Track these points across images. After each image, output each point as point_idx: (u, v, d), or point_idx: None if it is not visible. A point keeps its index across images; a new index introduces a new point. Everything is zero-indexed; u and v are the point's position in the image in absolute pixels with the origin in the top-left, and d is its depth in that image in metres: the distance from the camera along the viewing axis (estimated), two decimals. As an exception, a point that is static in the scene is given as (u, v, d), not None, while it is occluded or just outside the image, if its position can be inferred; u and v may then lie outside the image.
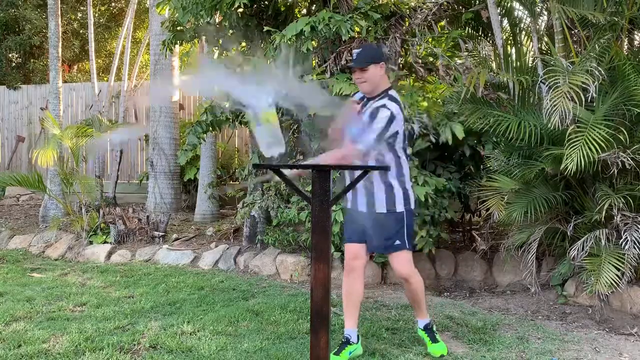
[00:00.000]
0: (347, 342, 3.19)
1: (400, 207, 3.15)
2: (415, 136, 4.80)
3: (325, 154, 3.13)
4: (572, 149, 3.86)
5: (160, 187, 8.05)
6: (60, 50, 7.84)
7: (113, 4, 13.39)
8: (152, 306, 4.22)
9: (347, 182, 3.22)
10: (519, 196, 4.45)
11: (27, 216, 8.31)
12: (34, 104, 11.01)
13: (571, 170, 3.83)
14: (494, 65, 5.01)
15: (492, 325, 3.80)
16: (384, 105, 3.05)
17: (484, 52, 5.47)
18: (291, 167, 2.49)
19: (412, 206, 3.22)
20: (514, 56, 5.03)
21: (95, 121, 8.26)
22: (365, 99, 3.21)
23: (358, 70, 3.09)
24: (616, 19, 4.28)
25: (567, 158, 3.84)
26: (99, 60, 12.61)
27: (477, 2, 5.32)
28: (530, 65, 4.83)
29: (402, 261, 3.17)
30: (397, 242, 3.13)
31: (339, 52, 4.99)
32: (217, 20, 5.94)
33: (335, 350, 3.15)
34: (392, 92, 3.16)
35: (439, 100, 5.77)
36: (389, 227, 3.14)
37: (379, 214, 3.13)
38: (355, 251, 3.21)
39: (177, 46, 6.60)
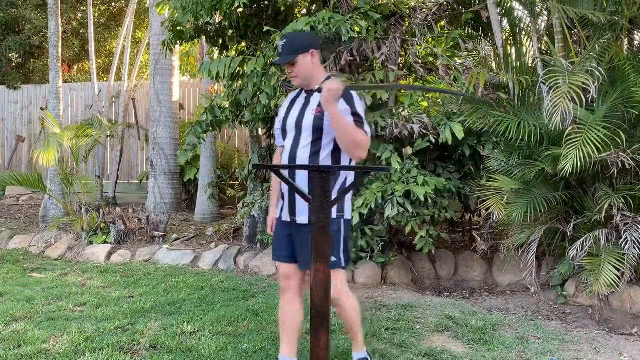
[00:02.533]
0: None
1: (336, 213, 2.66)
2: (415, 136, 4.80)
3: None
4: (569, 149, 3.86)
5: (160, 187, 8.06)
6: (60, 50, 7.84)
7: (113, 4, 13.38)
8: (152, 306, 4.22)
9: (285, 187, 2.73)
10: (519, 196, 4.45)
11: (27, 216, 8.31)
12: (34, 104, 11.01)
13: (567, 171, 3.83)
14: (493, 65, 5.01)
15: (492, 325, 3.80)
16: (348, 89, 2.68)
17: (484, 52, 5.47)
18: (291, 167, 2.50)
19: (349, 216, 2.75)
20: (514, 56, 5.03)
21: (95, 121, 8.26)
22: (303, 93, 2.81)
23: (288, 65, 2.70)
24: (616, 18, 4.28)
25: (564, 159, 3.84)
26: (99, 60, 12.61)
27: (477, 2, 5.32)
28: (530, 65, 4.84)
29: (334, 280, 2.56)
30: (332, 258, 2.51)
31: (338, 52, 4.99)
32: (217, 20, 5.94)
33: None
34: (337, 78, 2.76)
35: (439, 100, 5.77)
36: None
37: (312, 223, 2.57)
38: (286, 272, 2.80)
39: (177, 46, 6.59)
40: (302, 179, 2.65)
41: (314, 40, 2.80)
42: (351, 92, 2.66)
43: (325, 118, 2.59)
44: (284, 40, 2.70)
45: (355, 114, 2.58)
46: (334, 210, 2.62)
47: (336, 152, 2.68)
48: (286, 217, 2.75)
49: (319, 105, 2.62)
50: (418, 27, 5.12)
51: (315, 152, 2.66)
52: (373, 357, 3.19)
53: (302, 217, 2.66)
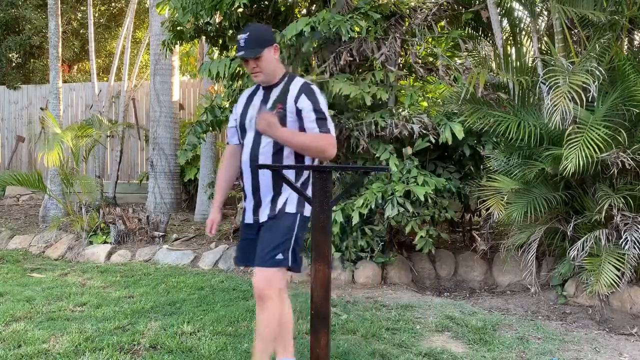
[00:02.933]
0: None
1: (291, 208, 2.53)
2: (415, 136, 4.80)
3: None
4: (570, 149, 3.86)
5: (160, 187, 8.06)
6: (60, 50, 7.84)
7: (113, 4, 13.38)
8: (152, 306, 4.22)
9: (247, 187, 2.61)
10: (519, 196, 4.45)
11: (27, 216, 8.31)
12: (34, 104, 11.02)
13: (569, 171, 3.83)
14: (493, 65, 5.02)
15: (492, 325, 3.80)
16: (309, 84, 2.60)
17: (483, 52, 5.47)
18: (291, 167, 2.49)
19: (308, 213, 2.54)
20: (513, 56, 5.03)
21: (95, 121, 8.26)
22: (260, 90, 2.68)
23: (251, 61, 2.55)
24: (617, 18, 4.28)
25: (565, 159, 3.84)
26: (99, 60, 12.61)
27: (477, 2, 5.32)
28: (530, 65, 4.84)
29: (271, 280, 2.44)
30: (280, 255, 2.44)
31: (338, 52, 4.99)
32: (217, 20, 5.94)
33: None
34: (295, 75, 2.69)
35: (439, 100, 5.78)
36: (276, 232, 2.49)
37: (271, 217, 2.54)
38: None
39: (177, 46, 6.59)
40: (266, 178, 2.54)
41: (273, 35, 2.71)
42: (312, 86, 2.58)
43: (287, 114, 2.52)
44: (247, 34, 2.54)
45: (317, 110, 2.51)
46: (292, 205, 2.52)
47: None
48: (249, 219, 2.64)
49: (279, 100, 2.55)
50: (418, 27, 5.12)
51: (277, 151, 2.54)
52: (373, 358, 3.19)
53: (265, 215, 2.56)
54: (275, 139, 2.48)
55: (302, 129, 2.53)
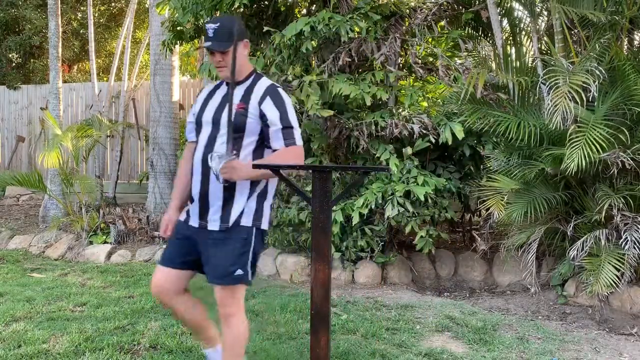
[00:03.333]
0: None
1: (247, 221, 2.39)
2: (415, 136, 4.80)
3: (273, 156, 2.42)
4: (573, 149, 3.86)
5: (160, 187, 8.05)
6: (60, 50, 7.84)
7: (113, 4, 13.38)
8: (152, 306, 4.22)
9: (195, 189, 2.44)
10: (519, 196, 4.45)
11: (27, 216, 8.31)
12: (34, 104, 11.01)
13: (572, 171, 3.83)
14: (493, 65, 5.01)
15: (492, 325, 3.80)
16: (277, 87, 2.47)
17: (483, 52, 5.47)
18: (291, 167, 2.47)
19: (265, 226, 2.46)
20: (513, 56, 5.03)
21: (95, 121, 8.26)
22: (223, 85, 2.54)
23: (218, 53, 2.39)
24: (617, 18, 4.28)
25: (568, 158, 3.84)
26: (99, 60, 12.60)
27: (477, 2, 5.31)
28: (530, 65, 4.84)
29: (234, 297, 2.39)
30: (239, 271, 2.36)
31: (338, 52, 4.99)
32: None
33: None
34: (261, 75, 2.56)
35: (439, 100, 5.77)
36: (232, 247, 2.37)
37: (223, 230, 2.39)
38: (157, 279, 2.51)
39: (177, 46, 6.59)
40: (214, 181, 2.35)
41: (245, 30, 2.54)
42: (279, 89, 2.44)
43: (249, 115, 2.38)
44: (217, 24, 2.38)
45: (284, 119, 2.38)
46: (248, 217, 2.38)
47: (258, 151, 2.43)
48: (194, 222, 2.45)
49: (243, 99, 2.41)
50: (418, 27, 5.12)
51: (235, 153, 2.40)
52: (373, 358, 3.19)
53: (214, 224, 2.39)
54: (248, 179, 2.34)
55: (267, 137, 2.39)
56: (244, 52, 2.47)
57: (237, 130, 2.36)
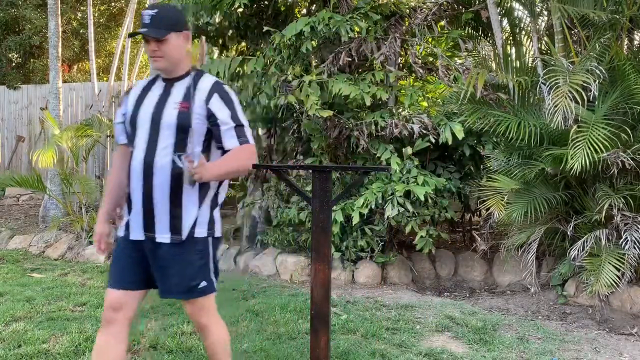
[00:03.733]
0: None
1: (202, 232, 2.23)
2: (415, 136, 4.80)
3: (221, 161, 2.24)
4: (576, 149, 3.86)
5: (160, 187, 8.03)
6: (60, 50, 7.83)
7: (113, 3, 13.38)
8: (152, 306, 4.21)
9: (137, 198, 2.23)
10: (519, 196, 4.45)
11: (27, 216, 8.31)
12: (34, 104, 11.01)
13: (576, 171, 3.82)
14: (493, 65, 5.02)
15: (492, 325, 3.80)
16: (222, 84, 2.30)
17: (483, 52, 5.47)
18: (291, 167, 2.47)
19: (219, 234, 2.33)
20: (513, 56, 5.03)
21: (95, 121, 8.26)
22: (159, 82, 2.31)
23: (153, 42, 2.18)
24: (617, 17, 4.28)
25: (572, 158, 3.84)
26: (99, 60, 12.60)
27: (477, 2, 5.31)
28: (530, 65, 4.84)
29: (205, 307, 2.28)
30: (203, 283, 2.23)
31: (337, 52, 4.99)
32: (217, 20, 5.94)
33: None
34: (203, 72, 2.36)
35: (439, 100, 5.77)
36: (190, 261, 2.21)
37: (176, 243, 2.20)
38: (118, 301, 2.29)
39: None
40: (164, 188, 2.17)
41: (186, 21, 2.35)
42: (225, 86, 2.28)
43: (194, 115, 2.18)
44: (155, 11, 2.19)
45: (235, 117, 2.23)
46: (202, 228, 2.23)
47: (205, 153, 2.25)
48: (138, 235, 2.24)
49: (186, 98, 2.21)
50: (418, 27, 5.12)
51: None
52: (373, 358, 3.19)
53: (164, 235, 2.19)
54: (209, 180, 2.16)
55: (217, 138, 2.23)
56: (184, 44, 2.25)
57: (181, 132, 2.17)
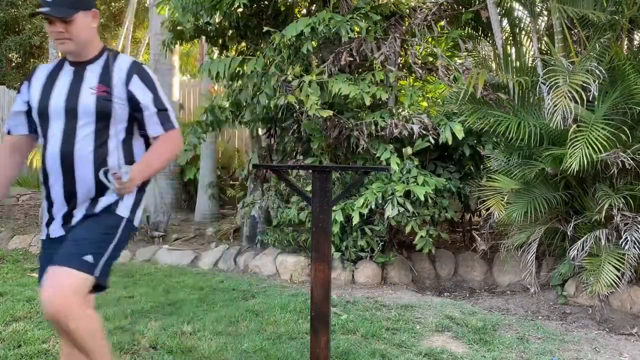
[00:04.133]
0: None
1: (124, 211, 2.07)
2: (415, 136, 4.80)
3: (147, 158, 2.10)
4: (574, 148, 3.86)
5: (160, 187, 8.05)
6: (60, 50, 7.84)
7: (113, 3, 13.39)
8: (152, 306, 4.22)
9: (57, 193, 2.06)
10: (519, 196, 4.45)
11: (27, 216, 8.31)
12: (34, 104, 11.01)
13: (574, 170, 3.83)
14: (493, 65, 5.02)
15: (492, 325, 3.80)
16: (141, 64, 2.13)
17: (483, 52, 5.47)
18: (291, 167, 2.48)
19: (137, 223, 2.15)
20: (513, 56, 5.03)
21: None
22: (67, 66, 2.10)
23: (58, 22, 1.97)
24: (617, 18, 4.28)
25: (570, 158, 3.84)
26: (99, 60, 12.60)
27: (477, 2, 5.32)
28: (530, 65, 4.84)
29: (71, 287, 1.86)
30: (89, 257, 1.93)
31: (338, 52, 4.99)
32: (217, 20, 5.95)
33: None
34: (117, 52, 2.20)
35: (439, 100, 5.77)
36: (92, 228, 2.01)
37: (88, 215, 2.04)
38: None
39: (177, 46, 6.60)
40: (87, 180, 2.02)
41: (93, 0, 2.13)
42: (144, 66, 2.13)
43: (114, 100, 2.02)
44: None
45: (157, 100, 2.09)
46: (126, 207, 2.06)
47: (128, 141, 2.09)
48: (59, 232, 2.07)
49: (102, 81, 2.02)
50: (418, 27, 5.12)
51: (101, 145, 2.02)
52: (373, 358, 3.19)
53: (79, 216, 2.05)
54: (143, 180, 2.02)
55: (141, 124, 2.09)
56: (92, 23, 2.06)
57: (102, 119, 2.00)
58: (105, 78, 2.03)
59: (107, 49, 2.12)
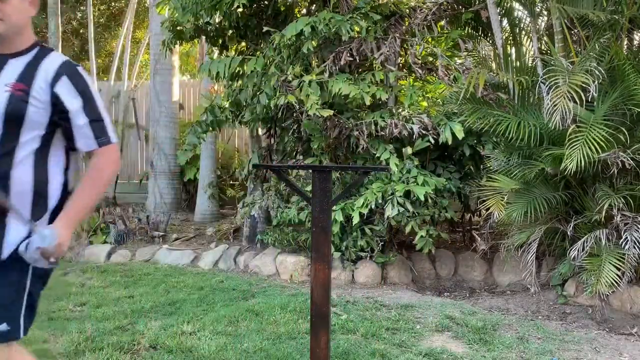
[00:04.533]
0: None
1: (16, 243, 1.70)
2: (415, 136, 4.80)
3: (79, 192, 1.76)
4: (572, 149, 3.87)
5: (160, 187, 8.06)
6: (60, 50, 7.84)
7: (113, 3, 13.39)
8: (152, 306, 4.22)
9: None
10: (519, 196, 4.45)
11: (27, 216, 8.31)
12: (33, 104, 11.01)
13: (571, 170, 3.83)
14: (493, 65, 5.02)
15: (492, 325, 3.80)
16: (75, 64, 1.79)
17: (483, 52, 5.47)
18: (291, 167, 2.48)
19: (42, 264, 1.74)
20: (513, 56, 5.03)
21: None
22: None
23: None
24: (616, 18, 4.28)
25: (567, 158, 3.85)
26: (99, 60, 12.61)
27: (477, 2, 5.31)
28: (530, 65, 4.84)
29: None
30: (3, 326, 1.67)
31: (338, 52, 4.99)
32: (217, 20, 5.95)
33: None
34: (50, 49, 1.86)
35: (439, 100, 5.77)
36: (4, 287, 1.69)
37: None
38: None
39: (177, 46, 6.60)
40: (24, 193, 1.70)
41: None
42: (78, 67, 1.79)
43: (32, 101, 1.68)
44: None
45: (91, 108, 1.76)
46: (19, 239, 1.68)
47: (42, 153, 1.74)
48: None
49: (22, 79, 1.70)
50: (418, 27, 5.12)
51: (7, 152, 1.67)
52: (373, 358, 3.19)
53: (6, 251, 1.70)
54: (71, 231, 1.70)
55: (69, 135, 1.76)
56: (29, 9, 1.77)
57: (11, 121, 1.67)
58: (27, 76, 1.70)
59: (38, 44, 1.81)
